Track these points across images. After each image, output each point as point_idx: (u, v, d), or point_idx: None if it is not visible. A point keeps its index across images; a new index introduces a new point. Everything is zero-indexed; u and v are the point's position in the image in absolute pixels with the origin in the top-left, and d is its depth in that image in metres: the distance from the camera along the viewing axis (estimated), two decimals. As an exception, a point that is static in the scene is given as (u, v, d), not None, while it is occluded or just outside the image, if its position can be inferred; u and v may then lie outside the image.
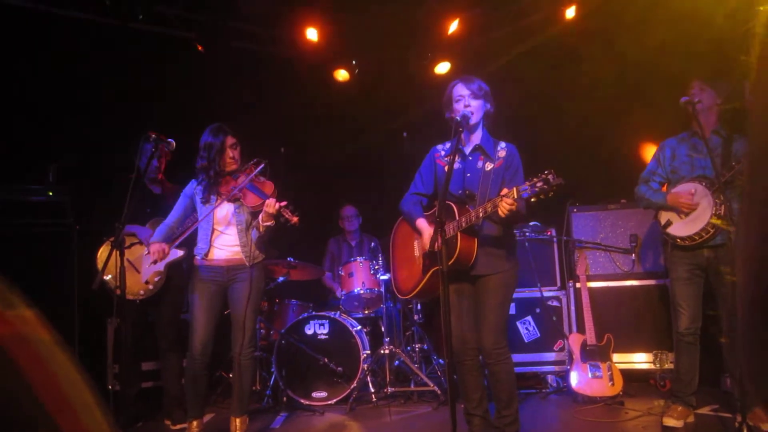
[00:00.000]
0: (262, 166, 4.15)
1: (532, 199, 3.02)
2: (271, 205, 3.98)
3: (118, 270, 3.83)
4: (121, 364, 4.74)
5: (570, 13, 6.28)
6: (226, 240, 4.18)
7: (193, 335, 4.10)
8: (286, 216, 4.01)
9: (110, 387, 5.20)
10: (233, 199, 4.15)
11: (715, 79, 4.10)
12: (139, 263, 4.64)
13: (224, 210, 4.18)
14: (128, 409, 4.66)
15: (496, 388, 3.55)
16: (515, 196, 3.07)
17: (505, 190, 3.14)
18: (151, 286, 4.59)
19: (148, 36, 6.33)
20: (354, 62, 7.20)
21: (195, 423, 4.19)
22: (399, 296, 3.98)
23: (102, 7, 5.99)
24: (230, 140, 4.18)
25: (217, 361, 5.57)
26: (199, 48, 6.40)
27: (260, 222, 4.07)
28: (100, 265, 4.54)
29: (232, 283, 4.20)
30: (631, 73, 5.88)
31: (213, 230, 4.17)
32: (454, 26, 6.74)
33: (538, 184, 2.96)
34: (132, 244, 4.62)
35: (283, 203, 4.01)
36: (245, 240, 4.21)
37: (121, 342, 4.58)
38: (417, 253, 3.78)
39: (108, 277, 4.49)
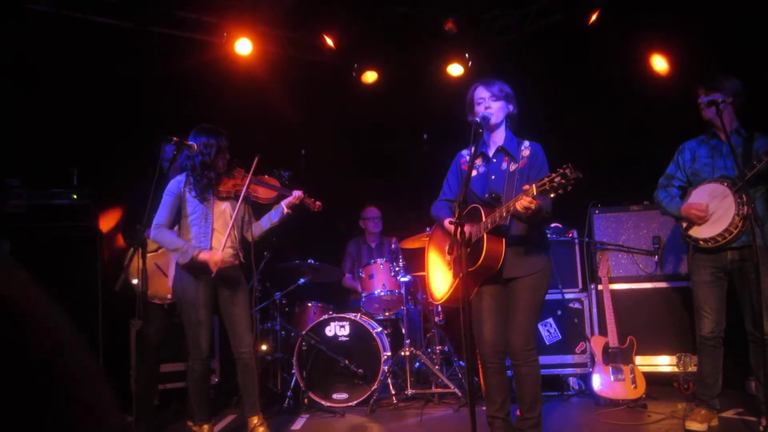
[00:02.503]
0: (257, 160, 4.23)
1: (552, 194, 3.00)
2: (297, 196, 4.26)
3: (139, 272, 3.85)
4: (140, 367, 4.71)
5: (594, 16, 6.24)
6: (221, 240, 4.18)
7: (199, 337, 4.09)
8: (309, 203, 4.31)
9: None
10: (245, 196, 4.18)
11: (717, 80, 4.05)
12: (166, 267, 4.62)
13: (221, 209, 4.21)
14: (150, 413, 4.66)
15: (521, 390, 3.53)
16: (534, 193, 3.05)
17: (525, 187, 3.13)
18: None
19: (167, 39, 6.39)
20: (376, 65, 7.21)
21: (206, 427, 4.20)
22: (434, 302, 3.98)
23: (122, 11, 6.05)
24: (226, 141, 4.22)
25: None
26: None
27: (284, 209, 4.27)
28: (132, 271, 4.55)
29: (226, 284, 4.21)
30: (654, 70, 5.83)
31: (212, 230, 4.16)
32: (471, 27, 6.73)
33: (556, 179, 2.94)
34: (159, 248, 4.64)
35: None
36: (240, 238, 4.28)
37: (140, 344, 4.56)
38: (448, 258, 3.77)
39: (136, 281, 4.51)
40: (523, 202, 3.09)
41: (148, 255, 4.53)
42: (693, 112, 4.21)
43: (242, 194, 4.15)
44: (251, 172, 4.19)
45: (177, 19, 6.40)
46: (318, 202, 4.34)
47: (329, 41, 6.75)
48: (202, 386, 4.18)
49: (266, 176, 4.36)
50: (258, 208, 4.43)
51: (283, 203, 4.26)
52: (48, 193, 5.07)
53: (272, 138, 4.33)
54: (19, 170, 5.16)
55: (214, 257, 4.01)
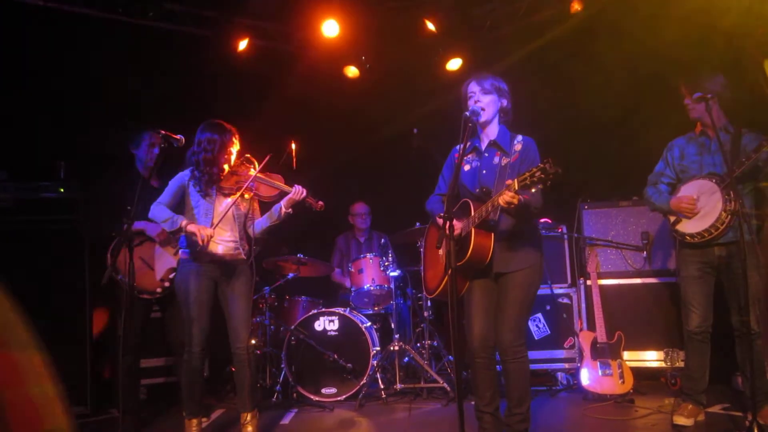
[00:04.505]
0: (269, 158, 4.18)
1: (533, 189, 3.00)
2: (299, 192, 4.15)
3: (127, 266, 3.83)
4: (124, 362, 4.67)
5: (576, 6, 6.24)
6: (222, 235, 4.18)
7: (193, 330, 4.08)
8: (311, 202, 4.20)
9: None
10: (245, 192, 4.16)
11: (699, 80, 4.06)
12: (152, 260, 4.61)
13: (223, 205, 4.19)
14: (136, 406, 4.63)
15: (510, 385, 3.54)
16: (516, 188, 3.05)
17: (508, 182, 3.12)
18: (167, 284, 4.57)
19: (157, 32, 6.35)
20: (364, 58, 7.19)
21: (195, 421, 4.19)
22: (428, 296, 3.99)
23: (111, 4, 6.01)
24: (233, 137, 4.21)
25: (227, 358, 5.59)
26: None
27: (282, 209, 4.17)
28: (117, 267, 4.53)
29: (229, 279, 4.20)
30: (643, 68, 5.84)
31: (212, 225, 4.15)
32: (462, 22, 6.73)
33: (537, 174, 2.94)
34: (143, 242, 4.61)
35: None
36: (242, 234, 4.26)
37: (123, 338, 4.50)
38: (441, 252, 3.77)
39: (121, 277, 4.49)
40: (505, 197, 3.10)
41: (133, 248, 4.52)
42: (683, 108, 4.23)
43: (241, 190, 4.13)
44: (257, 170, 4.15)
45: (166, 12, 6.35)
46: (320, 202, 4.25)
47: (321, 32, 6.71)
48: (194, 380, 4.16)
49: (273, 174, 4.29)
50: (264, 206, 4.40)
51: (282, 202, 4.19)
52: (35, 187, 5.04)
53: (261, 131, 4.32)
54: (6, 163, 5.12)
55: (203, 230, 3.96)
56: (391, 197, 6.92)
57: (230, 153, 4.20)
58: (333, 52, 7.05)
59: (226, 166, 4.19)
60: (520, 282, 3.50)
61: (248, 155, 4.29)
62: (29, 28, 5.71)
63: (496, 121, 3.63)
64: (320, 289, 6.63)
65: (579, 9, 6.20)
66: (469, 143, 3.47)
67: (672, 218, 4.20)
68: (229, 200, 4.16)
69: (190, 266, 4.13)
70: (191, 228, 3.98)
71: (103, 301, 5.13)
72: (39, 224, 4.98)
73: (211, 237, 4.00)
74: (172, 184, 4.19)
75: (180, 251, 4.21)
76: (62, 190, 5.07)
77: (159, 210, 4.09)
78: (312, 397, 5.36)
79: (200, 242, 3.95)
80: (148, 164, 4.80)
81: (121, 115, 5.81)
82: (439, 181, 3.87)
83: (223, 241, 4.18)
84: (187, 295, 4.10)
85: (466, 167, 3.62)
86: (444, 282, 3.62)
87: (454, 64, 7.09)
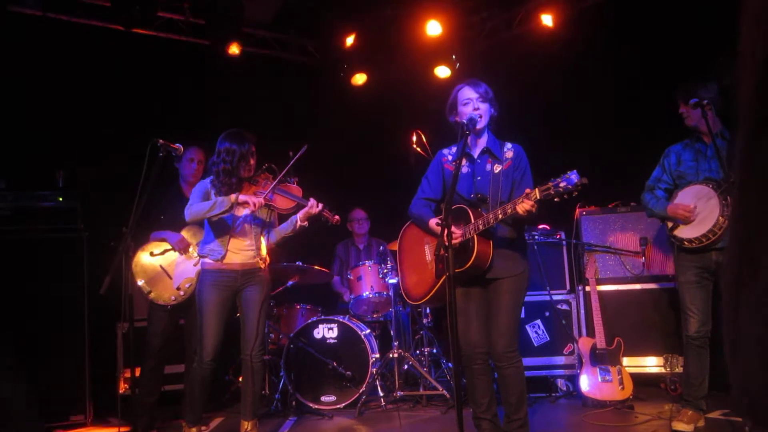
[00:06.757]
0: (288, 167, 4.19)
1: (556, 199, 3.01)
2: (314, 206, 4.15)
3: (123, 274, 3.84)
4: (143, 369, 4.69)
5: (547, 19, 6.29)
6: (241, 244, 4.19)
7: (204, 340, 4.08)
8: (327, 216, 4.20)
9: (121, 391, 5.23)
10: (264, 204, 4.16)
11: (693, 89, 4.06)
12: (171, 269, 4.65)
13: (241, 215, 4.20)
14: (145, 415, 4.62)
15: (506, 391, 3.54)
16: (537, 197, 3.06)
17: (527, 190, 3.14)
18: (182, 293, 4.58)
19: (155, 42, 6.36)
20: (364, 66, 7.21)
21: (194, 429, 4.20)
22: (409, 302, 3.97)
23: (108, 14, 6.00)
24: (253, 148, 4.20)
25: (226, 365, 5.59)
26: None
27: (298, 222, 4.21)
28: (137, 272, 4.55)
29: (246, 287, 4.21)
30: (637, 75, 5.87)
31: (230, 236, 4.17)
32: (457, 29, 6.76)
33: (561, 185, 2.94)
34: (165, 251, 4.64)
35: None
36: (260, 244, 4.26)
37: (132, 346, 4.51)
38: (429, 257, 3.76)
39: (140, 282, 4.54)
40: (525, 206, 3.12)
41: (155, 257, 4.58)
42: (679, 114, 4.24)
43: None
44: (274, 182, 4.15)
45: (164, 21, 6.36)
46: (336, 216, 4.25)
47: (320, 41, 6.73)
48: (199, 389, 4.16)
49: (291, 186, 4.29)
50: (282, 217, 4.40)
51: (298, 214, 4.21)
52: (34, 196, 5.04)
53: (259, 139, 4.33)
54: (5, 172, 5.13)
55: (254, 197, 3.98)
56: (389, 204, 6.91)
57: (250, 162, 4.19)
58: (332, 60, 7.06)
59: (245, 177, 4.20)
60: (512, 288, 3.52)
61: (269, 165, 4.29)
62: (30, 39, 5.72)
63: (486, 129, 3.66)
64: (319, 297, 6.62)
65: (551, 25, 6.24)
66: (458, 148, 3.48)
67: (670, 223, 4.21)
68: (248, 211, 4.17)
69: (210, 277, 4.14)
70: (242, 198, 3.99)
71: (103, 310, 5.12)
72: (37, 234, 4.98)
73: (262, 204, 4.03)
74: (198, 190, 4.19)
75: (201, 261, 4.22)
76: (61, 199, 5.08)
77: (193, 206, 4.06)
78: (311, 404, 5.34)
79: (252, 207, 3.98)
80: (187, 178, 4.84)
81: (119, 124, 5.82)
82: (423, 183, 3.84)
83: (240, 251, 4.19)
84: (203, 307, 4.11)
85: (455, 172, 3.63)
86: (435, 289, 3.62)
87: (449, 70, 7.10)
